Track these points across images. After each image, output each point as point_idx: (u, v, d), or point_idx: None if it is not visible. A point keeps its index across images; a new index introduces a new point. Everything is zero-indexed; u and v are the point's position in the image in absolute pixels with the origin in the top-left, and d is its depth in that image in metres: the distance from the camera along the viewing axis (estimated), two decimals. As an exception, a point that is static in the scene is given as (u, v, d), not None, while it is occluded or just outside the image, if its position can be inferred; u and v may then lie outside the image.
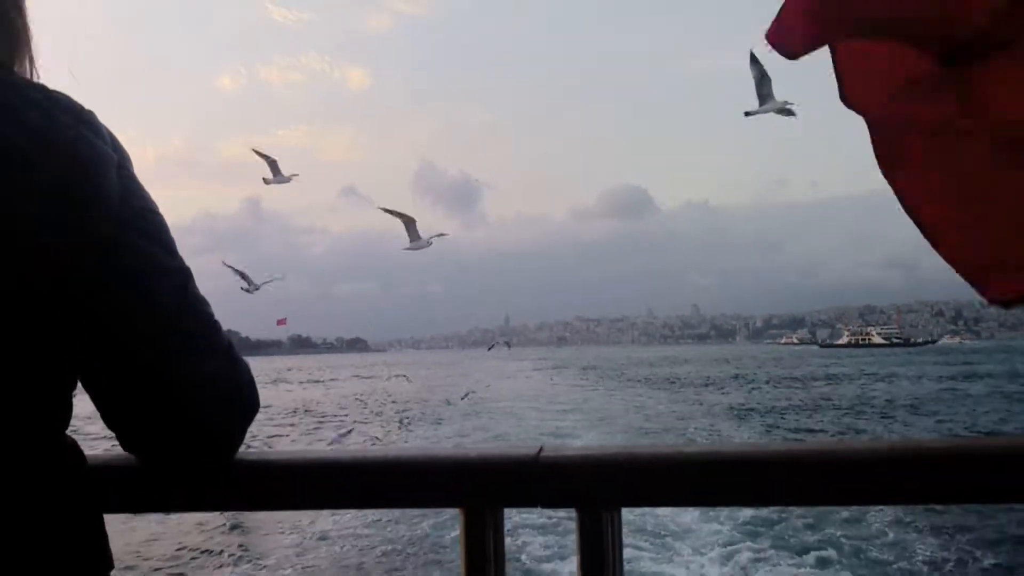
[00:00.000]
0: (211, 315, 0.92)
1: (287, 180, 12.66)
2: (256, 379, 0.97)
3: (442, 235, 13.02)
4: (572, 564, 0.95)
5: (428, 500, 1.02)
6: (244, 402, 0.93)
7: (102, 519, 0.88)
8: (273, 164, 12.45)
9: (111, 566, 0.88)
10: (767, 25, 0.92)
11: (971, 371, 48.84)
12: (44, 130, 0.78)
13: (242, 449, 0.97)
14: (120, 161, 0.86)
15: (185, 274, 0.90)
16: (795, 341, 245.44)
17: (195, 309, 0.90)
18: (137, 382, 0.85)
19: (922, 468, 0.85)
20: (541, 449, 0.93)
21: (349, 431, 18.79)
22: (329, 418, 27.10)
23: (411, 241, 12.02)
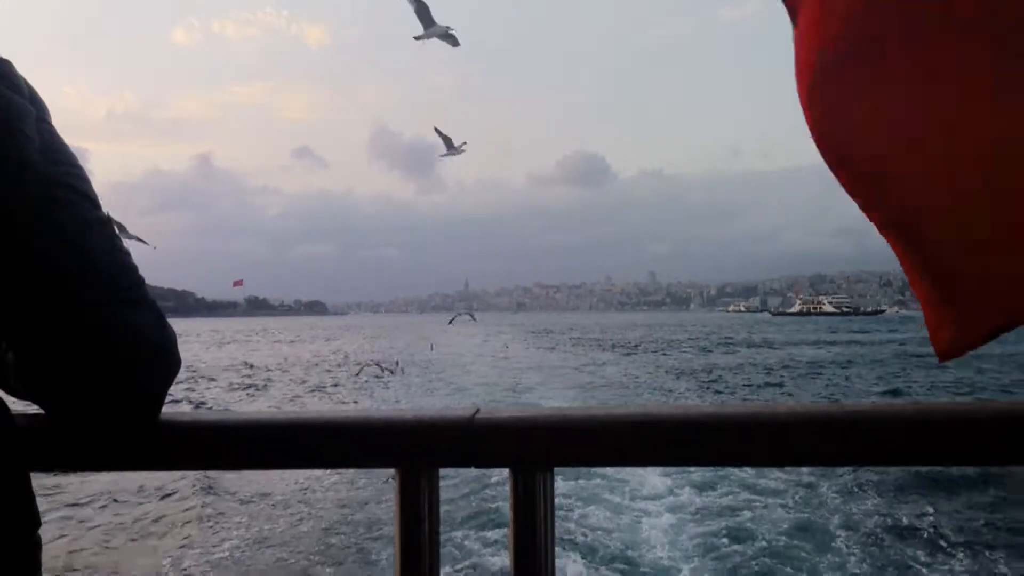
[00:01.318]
0: (135, 268, 0.91)
1: (460, 151, 13.38)
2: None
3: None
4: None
5: (364, 461, 1.02)
6: (171, 357, 0.93)
7: (28, 478, 0.87)
8: (448, 140, 13.08)
9: (38, 524, 0.87)
10: None
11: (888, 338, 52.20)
12: None
13: (172, 411, 0.98)
14: (39, 114, 0.83)
15: (111, 225, 0.89)
16: (742, 309, 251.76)
17: (124, 262, 0.88)
18: (66, 339, 0.84)
19: (846, 430, 0.89)
20: (477, 411, 0.95)
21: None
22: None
23: (424, 29, 12.04)
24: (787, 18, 0.93)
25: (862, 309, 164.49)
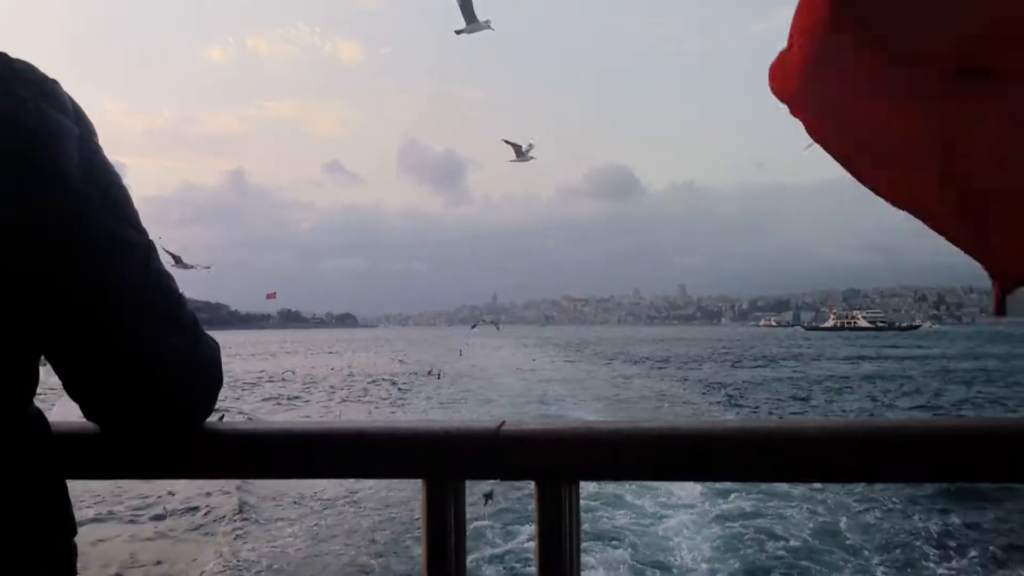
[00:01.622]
0: (175, 290, 0.92)
1: (530, 158, 13.88)
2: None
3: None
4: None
5: (390, 471, 1.03)
6: (206, 377, 0.95)
7: (65, 485, 0.89)
8: (517, 148, 13.62)
9: (74, 531, 0.89)
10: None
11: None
12: (5, 107, 0.77)
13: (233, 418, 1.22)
14: (82, 133, 0.84)
15: (149, 248, 0.90)
16: (773, 323, 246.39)
17: (160, 284, 0.90)
18: (102, 357, 0.86)
19: (872, 447, 0.88)
20: (503, 423, 0.95)
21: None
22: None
23: (466, 24, 11.51)
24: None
25: (897, 324, 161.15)
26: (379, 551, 9.15)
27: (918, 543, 9.11)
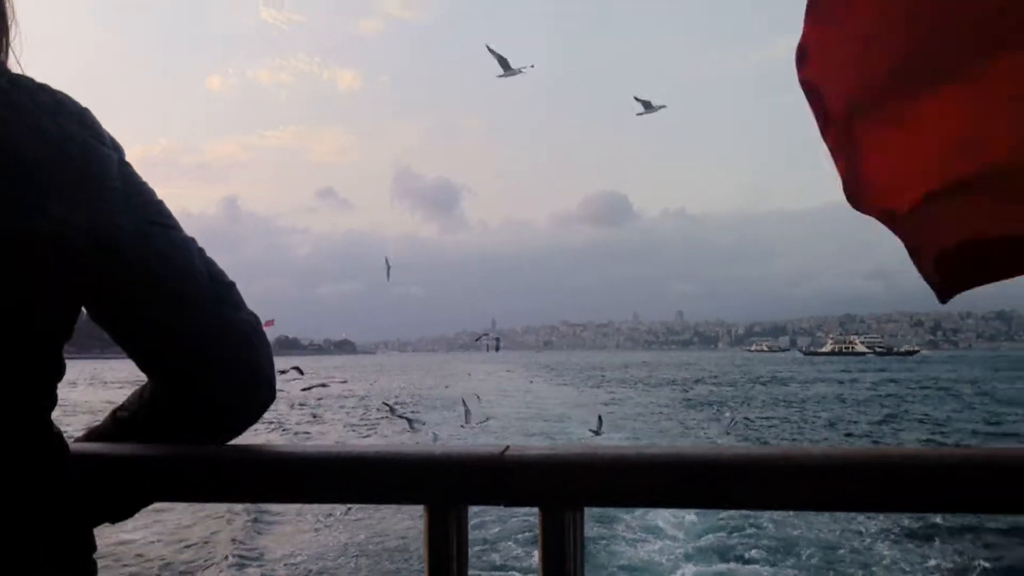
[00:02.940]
0: (225, 273, 1.01)
1: (520, 71, 14.40)
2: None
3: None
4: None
5: (392, 497, 1.00)
6: (263, 350, 1.02)
7: (87, 503, 0.91)
8: (503, 60, 14.25)
9: (94, 547, 0.91)
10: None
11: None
12: (59, 140, 0.83)
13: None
14: (120, 158, 0.91)
15: (194, 240, 0.99)
16: (764, 348, 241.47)
17: (218, 270, 0.99)
18: (186, 343, 0.94)
19: (881, 476, 0.87)
20: (507, 448, 0.95)
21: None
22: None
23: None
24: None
25: (895, 349, 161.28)
26: None
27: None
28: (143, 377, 1.02)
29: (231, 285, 1.01)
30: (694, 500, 0.97)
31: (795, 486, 0.90)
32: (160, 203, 0.96)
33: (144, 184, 0.96)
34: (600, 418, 19.60)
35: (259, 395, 1.02)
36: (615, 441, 18.93)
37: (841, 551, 10.06)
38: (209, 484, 1.02)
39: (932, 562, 9.66)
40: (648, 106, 14.22)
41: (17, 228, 0.78)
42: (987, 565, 9.51)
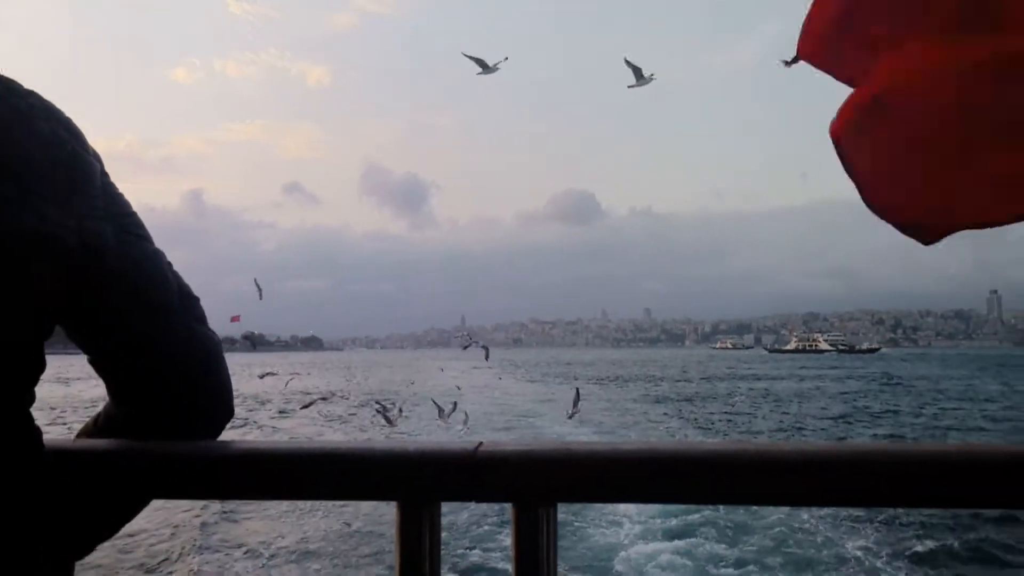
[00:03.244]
0: (190, 288, 1.02)
1: (496, 69, 14.43)
2: None
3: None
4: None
5: (364, 493, 0.99)
6: (222, 368, 1.03)
7: (64, 501, 0.91)
8: (480, 61, 14.35)
9: (74, 551, 0.92)
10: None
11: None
12: (52, 144, 0.85)
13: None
14: (101, 168, 0.92)
15: (162, 254, 0.99)
16: (729, 345, 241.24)
17: (185, 284, 1.01)
18: (152, 353, 0.95)
19: (851, 471, 0.87)
20: (480, 445, 0.94)
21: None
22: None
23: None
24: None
25: (857, 347, 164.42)
26: (352, 573, 9.09)
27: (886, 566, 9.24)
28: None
29: (197, 299, 1.03)
30: (667, 495, 0.98)
31: (767, 481, 0.90)
32: (135, 215, 0.98)
33: (121, 195, 0.97)
34: (577, 391, 19.94)
35: (220, 410, 1.04)
36: (583, 434, 19.34)
37: (791, 530, 10.31)
38: (175, 481, 1.00)
39: (863, 542, 9.99)
40: (639, 75, 14.22)
41: (15, 226, 0.80)
42: (921, 548, 9.84)
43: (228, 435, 1.08)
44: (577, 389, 20.67)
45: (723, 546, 9.79)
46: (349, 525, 10.82)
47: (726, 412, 27.97)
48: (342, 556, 9.72)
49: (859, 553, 9.69)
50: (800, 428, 23.60)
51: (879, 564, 9.34)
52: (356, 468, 0.97)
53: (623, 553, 9.63)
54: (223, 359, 1.04)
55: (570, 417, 19.02)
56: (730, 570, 9.09)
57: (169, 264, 1.00)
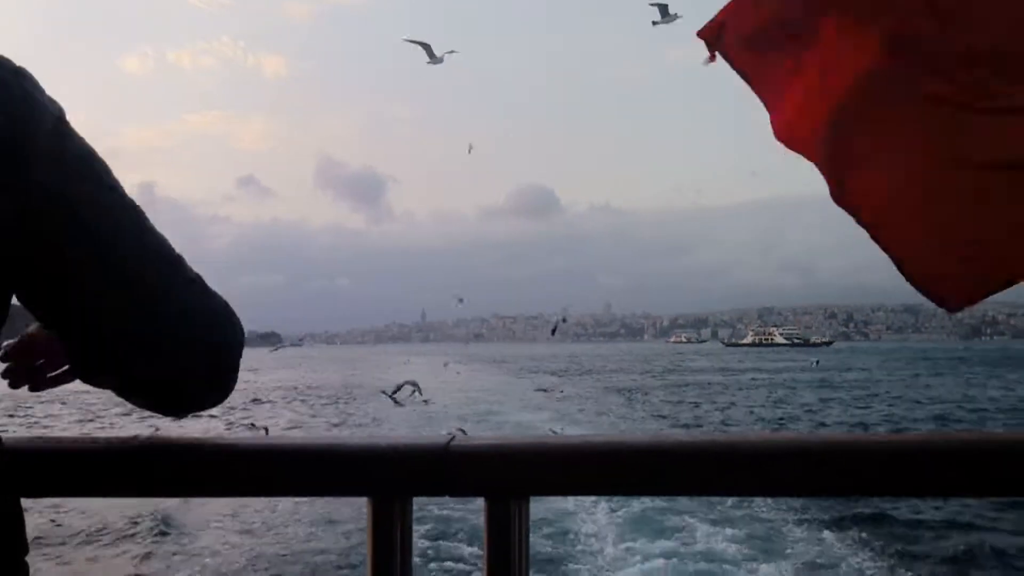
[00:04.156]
0: (172, 247, 0.90)
1: (441, 60, 14.38)
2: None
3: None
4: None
5: (335, 489, 0.99)
6: (231, 328, 0.92)
7: (19, 502, 0.86)
8: (427, 48, 14.22)
9: (26, 550, 0.86)
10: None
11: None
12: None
13: (150, 434, 0.97)
14: (60, 114, 0.85)
15: (140, 210, 0.89)
16: (683, 339, 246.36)
17: (162, 241, 0.89)
18: (122, 321, 0.83)
19: (806, 459, 0.89)
20: (452, 438, 0.94)
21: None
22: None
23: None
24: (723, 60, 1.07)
25: (811, 341, 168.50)
26: (323, 569, 9.17)
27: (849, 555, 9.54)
28: None
29: (178, 261, 0.91)
30: (641, 487, 0.99)
31: (739, 472, 0.91)
32: (103, 162, 0.89)
33: (86, 143, 0.88)
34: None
35: (229, 377, 0.94)
36: (542, 421, 19.80)
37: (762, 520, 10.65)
38: (135, 478, 0.97)
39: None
40: (664, 11, 14.01)
41: None
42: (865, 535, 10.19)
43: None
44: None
45: (694, 538, 9.99)
46: (315, 526, 10.70)
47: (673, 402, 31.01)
48: (314, 551, 9.78)
49: (825, 541, 10.00)
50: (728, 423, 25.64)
51: (841, 550, 9.64)
52: (327, 464, 0.96)
53: (593, 546, 9.78)
54: (207, 303, 0.92)
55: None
56: (702, 564, 9.24)
57: (143, 221, 0.89)
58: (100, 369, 0.89)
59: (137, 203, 0.89)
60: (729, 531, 10.44)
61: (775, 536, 10.39)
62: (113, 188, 0.87)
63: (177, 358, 0.88)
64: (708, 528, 10.50)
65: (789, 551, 9.75)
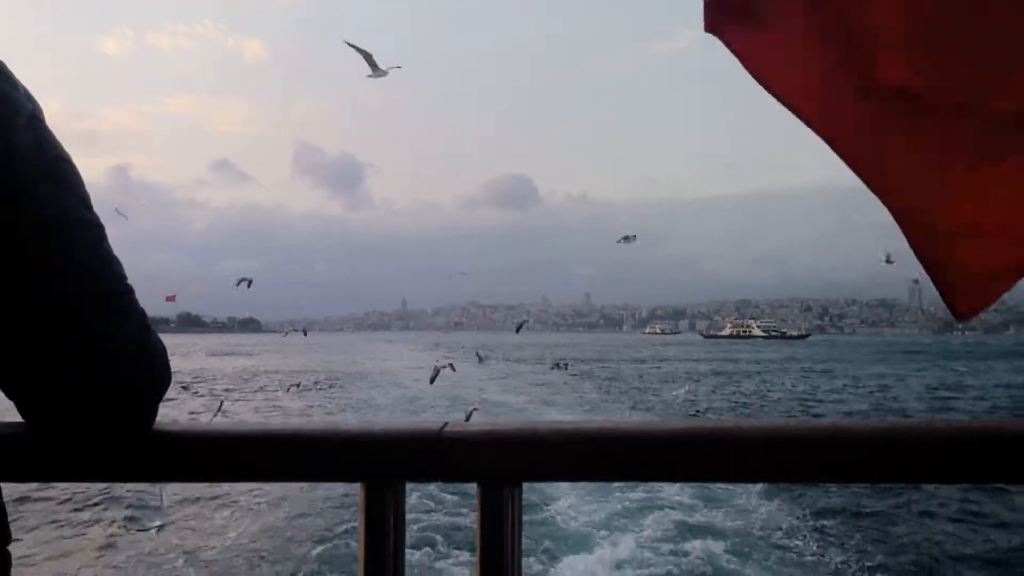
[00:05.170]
0: (125, 276, 0.87)
1: (385, 73, 13.44)
2: None
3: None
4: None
5: (329, 474, 0.98)
6: (157, 373, 0.89)
7: (0, 493, 0.84)
8: (368, 57, 13.14)
9: (9, 538, 0.85)
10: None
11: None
12: None
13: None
14: (34, 112, 0.83)
15: (101, 229, 0.86)
16: (657, 331, 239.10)
17: (112, 267, 0.86)
18: (46, 343, 0.80)
19: (810, 447, 0.89)
20: (445, 424, 0.93)
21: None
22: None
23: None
24: (710, 52, 0.99)
25: (788, 333, 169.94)
26: (316, 554, 9.16)
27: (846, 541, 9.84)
28: None
29: (126, 291, 0.89)
30: (631, 474, 0.97)
31: (729, 459, 0.91)
32: (72, 168, 0.89)
33: (60, 146, 0.87)
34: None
35: (122, 427, 0.92)
36: (517, 401, 20.14)
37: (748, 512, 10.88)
38: (134, 463, 0.97)
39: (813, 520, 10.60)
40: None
41: None
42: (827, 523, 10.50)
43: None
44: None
45: (684, 529, 10.11)
46: (307, 511, 10.75)
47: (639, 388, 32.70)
48: (308, 536, 9.81)
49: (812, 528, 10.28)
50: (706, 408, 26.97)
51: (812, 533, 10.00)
52: (321, 449, 0.96)
53: (584, 532, 9.93)
54: (138, 351, 0.90)
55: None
56: (696, 540, 9.49)
57: (99, 239, 0.88)
58: None
59: (102, 223, 0.88)
60: (717, 512, 10.70)
61: (766, 524, 10.55)
62: (80, 198, 0.86)
63: (71, 384, 0.84)
64: (700, 515, 10.68)
65: (777, 540, 9.95)
